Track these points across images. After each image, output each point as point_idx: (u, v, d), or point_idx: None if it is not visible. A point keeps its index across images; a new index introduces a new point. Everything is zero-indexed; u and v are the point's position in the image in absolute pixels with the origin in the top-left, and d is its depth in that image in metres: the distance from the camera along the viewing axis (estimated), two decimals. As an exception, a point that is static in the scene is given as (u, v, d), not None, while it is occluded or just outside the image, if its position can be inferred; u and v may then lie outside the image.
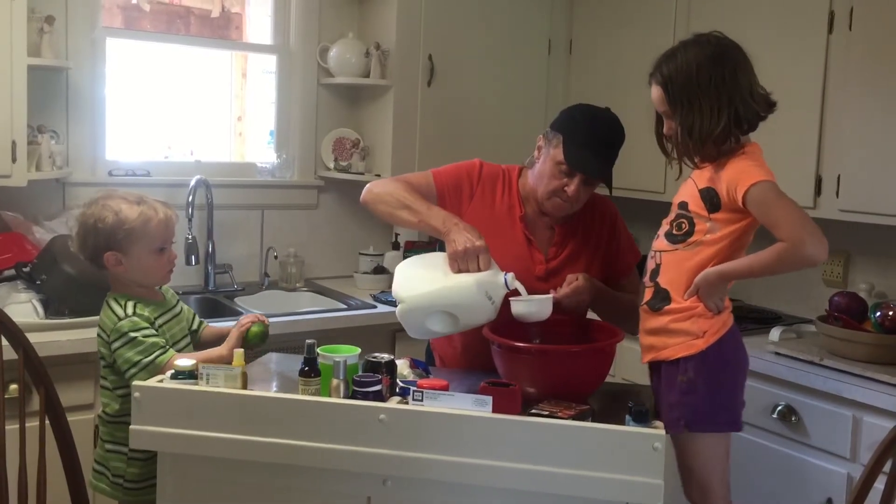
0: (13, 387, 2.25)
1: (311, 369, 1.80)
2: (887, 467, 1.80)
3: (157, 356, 1.93)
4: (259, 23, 3.66)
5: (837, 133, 2.72)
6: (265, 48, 3.59)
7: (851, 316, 2.56)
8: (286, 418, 1.70)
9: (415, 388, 1.71)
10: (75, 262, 2.47)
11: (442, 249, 2.10)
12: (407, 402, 1.71)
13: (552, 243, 2.22)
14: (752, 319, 3.03)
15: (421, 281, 2.03)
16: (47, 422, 2.05)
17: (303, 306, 3.24)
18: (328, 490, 1.73)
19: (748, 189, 1.80)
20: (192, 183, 3.18)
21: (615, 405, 1.87)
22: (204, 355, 1.99)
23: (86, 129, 3.09)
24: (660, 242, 1.98)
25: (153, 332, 1.98)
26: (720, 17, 2.99)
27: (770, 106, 1.90)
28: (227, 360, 1.93)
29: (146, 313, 1.99)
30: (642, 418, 1.64)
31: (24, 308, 2.52)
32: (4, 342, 2.01)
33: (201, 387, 1.76)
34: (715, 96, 1.84)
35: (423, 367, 2.03)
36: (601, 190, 2.22)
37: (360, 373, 1.80)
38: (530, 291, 2.01)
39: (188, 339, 2.13)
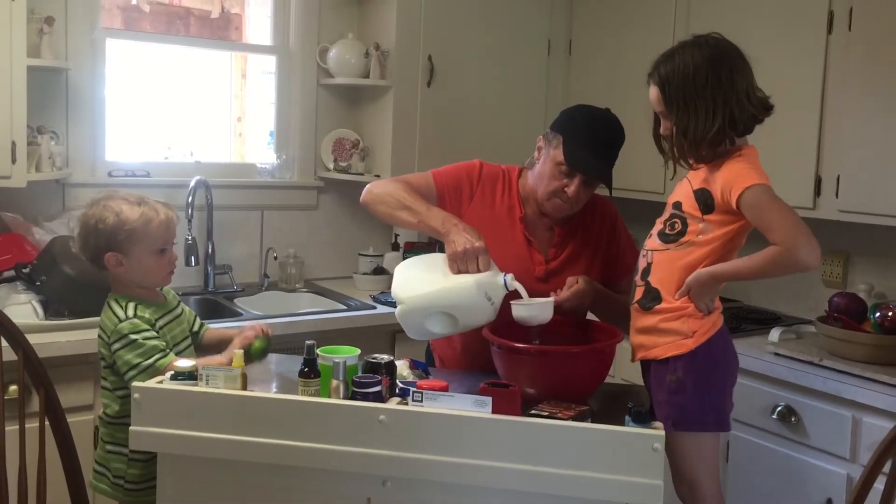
0: (13, 388, 2.25)
1: (310, 370, 1.80)
2: (887, 468, 1.80)
3: (157, 360, 1.93)
4: (259, 23, 3.66)
5: (837, 133, 2.72)
6: (265, 49, 3.59)
7: (851, 316, 2.56)
8: (286, 419, 1.70)
9: (414, 389, 1.71)
10: (75, 262, 2.47)
11: (441, 250, 2.10)
12: (406, 403, 1.71)
13: (552, 244, 2.22)
14: (752, 320, 3.03)
15: (420, 282, 2.03)
16: (47, 423, 2.05)
17: (302, 307, 3.24)
18: (328, 491, 1.73)
19: (743, 192, 1.80)
20: (192, 184, 3.18)
21: (615, 406, 1.87)
22: (203, 363, 1.99)
23: (85, 130, 3.09)
24: (652, 241, 1.99)
25: (154, 334, 1.98)
26: (720, 18, 2.99)
27: (767, 109, 1.90)
28: None
29: (147, 315, 1.99)
30: (642, 419, 1.64)
31: (23, 309, 2.52)
32: (4, 343, 2.01)
33: (201, 388, 1.76)
34: (710, 98, 1.84)
35: (422, 367, 2.02)
36: (601, 190, 2.22)
37: (359, 374, 1.80)
38: (530, 292, 2.02)
39: (189, 341, 2.13)
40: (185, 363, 1.82)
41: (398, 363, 1.92)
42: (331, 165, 3.57)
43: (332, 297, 3.32)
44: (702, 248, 1.89)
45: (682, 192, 1.96)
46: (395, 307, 2.03)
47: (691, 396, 1.89)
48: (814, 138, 2.77)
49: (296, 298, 3.37)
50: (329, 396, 1.76)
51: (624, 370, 2.72)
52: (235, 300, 3.20)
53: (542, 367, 1.90)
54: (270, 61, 3.59)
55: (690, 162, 1.92)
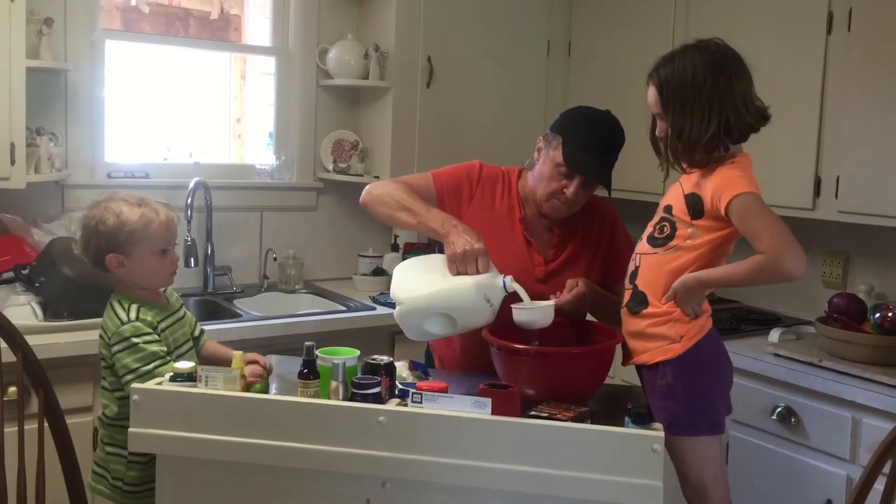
0: (12, 389, 2.25)
1: (310, 371, 1.80)
2: (887, 468, 1.79)
3: (155, 366, 1.91)
4: (258, 24, 3.66)
5: (836, 134, 2.72)
6: (264, 50, 3.59)
7: (851, 317, 2.56)
8: (285, 421, 1.69)
9: (414, 390, 1.70)
10: (74, 264, 2.47)
11: (441, 251, 2.09)
12: (406, 404, 1.71)
13: (552, 245, 2.22)
14: (752, 321, 3.03)
15: (419, 283, 2.03)
16: (46, 424, 2.04)
17: (302, 308, 3.24)
18: (327, 492, 1.72)
19: (732, 199, 1.80)
20: (191, 185, 3.18)
21: (614, 407, 1.87)
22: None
23: (85, 131, 3.09)
24: (641, 245, 1.99)
25: (155, 338, 1.97)
26: (719, 19, 2.99)
27: (764, 119, 1.90)
28: None
29: (149, 318, 1.99)
30: (641, 420, 1.64)
31: (22, 310, 2.52)
32: (3, 345, 2.00)
33: (200, 389, 1.76)
34: (707, 102, 1.84)
35: (422, 368, 2.03)
36: (600, 191, 2.22)
37: (359, 375, 1.80)
38: (529, 293, 2.01)
39: (190, 345, 2.12)
40: (184, 365, 1.82)
41: (397, 364, 1.92)
42: (330, 166, 3.57)
43: (331, 298, 3.32)
44: (689, 252, 1.89)
45: (674, 195, 1.96)
46: (395, 308, 2.03)
47: (682, 401, 1.89)
48: (813, 139, 2.77)
49: (295, 299, 3.37)
50: (328, 398, 1.76)
51: (623, 371, 2.71)
52: (235, 301, 3.20)
53: (542, 368, 1.90)
54: (270, 62, 3.59)
55: (684, 166, 1.92)
